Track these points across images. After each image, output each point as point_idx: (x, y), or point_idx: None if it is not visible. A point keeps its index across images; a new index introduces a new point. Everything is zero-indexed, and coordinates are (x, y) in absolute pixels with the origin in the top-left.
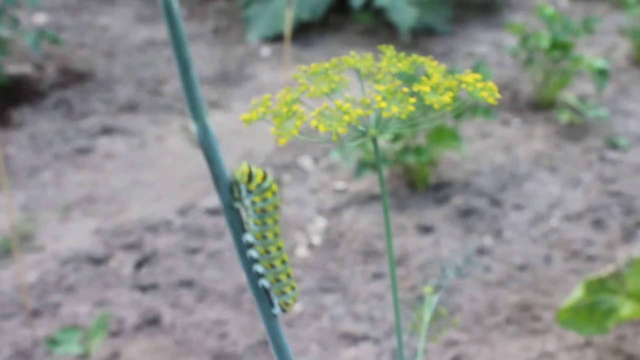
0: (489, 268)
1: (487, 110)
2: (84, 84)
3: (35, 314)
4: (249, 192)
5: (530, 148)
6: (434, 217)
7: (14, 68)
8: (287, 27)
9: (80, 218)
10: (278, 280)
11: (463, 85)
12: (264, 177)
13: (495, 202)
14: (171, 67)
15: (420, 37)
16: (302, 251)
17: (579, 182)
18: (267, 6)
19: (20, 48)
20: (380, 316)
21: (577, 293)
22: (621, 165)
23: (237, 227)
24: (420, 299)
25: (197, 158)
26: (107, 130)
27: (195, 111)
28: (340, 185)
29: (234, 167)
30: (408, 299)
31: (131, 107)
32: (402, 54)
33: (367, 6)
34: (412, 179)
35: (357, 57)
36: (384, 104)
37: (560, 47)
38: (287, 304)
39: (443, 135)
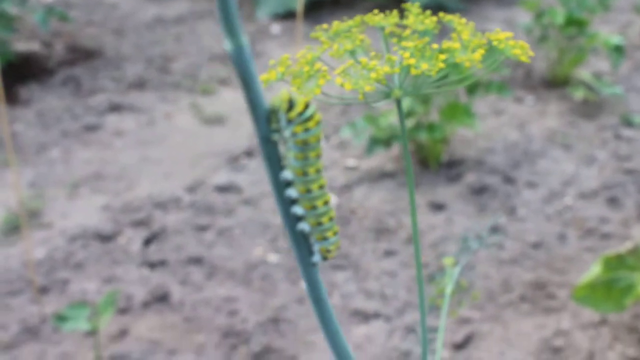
0: (503, 246)
1: (500, 87)
2: (92, 62)
3: (43, 290)
4: (289, 121)
5: (544, 125)
6: (446, 194)
7: (22, 45)
8: (299, 4)
9: (88, 195)
10: (319, 224)
11: (494, 43)
12: (307, 105)
13: (509, 180)
14: (180, 45)
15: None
16: None
17: (593, 159)
18: None
19: (29, 25)
20: (392, 294)
21: (594, 269)
22: (636, 142)
23: (275, 162)
24: (432, 277)
25: (206, 135)
26: (115, 108)
27: (230, 28)
28: (351, 162)
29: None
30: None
31: (140, 85)
32: (428, 12)
33: None
34: (424, 157)
35: (381, 15)
36: (412, 61)
37: (575, 24)
38: (328, 250)
39: (456, 111)
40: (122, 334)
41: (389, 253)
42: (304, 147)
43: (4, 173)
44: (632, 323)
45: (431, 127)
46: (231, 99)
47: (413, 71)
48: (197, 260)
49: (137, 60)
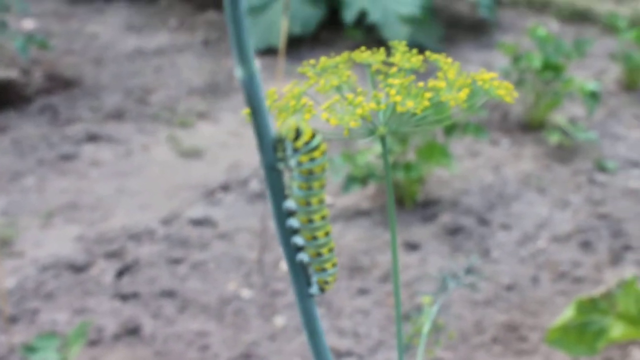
0: (477, 287)
1: (477, 129)
2: (70, 91)
3: (13, 320)
4: (295, 150)
5: (519, 168)
6: (421, 234)
7: (1, 72)
8: (282, 40)
9: (62, 225)
10: (319, 255)
11: (479, 83)
12: (313, 135)
13: (483, 222)
14: (159, 77)
15: None
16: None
17: (567, 203)
18: (259, 19)
19: (8, 52)
20: (365, 332)
21: (568, 313)
22: (610, 188)
23: (278, 191)
24: (407, 316)
25: (183, 169)
26: (92, 138)
27: (242, 55)
28: (327, 199)
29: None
30: (394, 316)
31: (118, 115)
32: (415, 50)
33: (359, 22)
34: (400, 196)
35: (368, 52)
36: (398, 98)
37: (551, 69)
38: (326, 282)
39: (433, 152)
40: None
41: (362, 291)
42: (309, 176)
43: None
44: None
45: (408, 167)
46: (209, 133)
47: (399, 108)
48: (169, 294)
49: (115, 90)
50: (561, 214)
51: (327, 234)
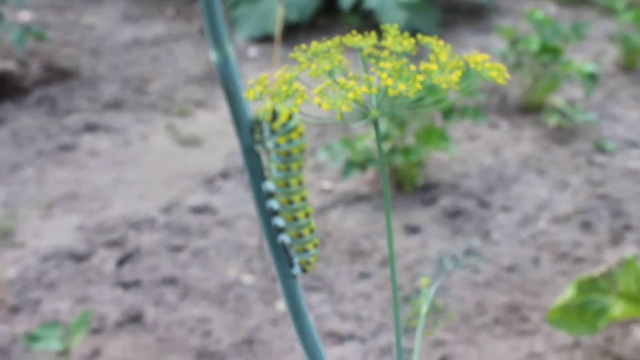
0: (477, 269)
1: (475, 112)
2: (68, 82)
3: (15, 310)
4: (273, 132)
5: (518, 151)
6: (421, 218)
7: None
8: (277, 27)
9: (62, 215)
10: (300, 236)
11: (472, 65)
12: (290, 117)
13: (483, 204)
14: (157, 66)
15: None
16: None
17: (567, 185)
18: (255, 6)
19: (4, 44)
20: (367, 316)
21: (568, 292)
22: (609, 168)
23: (257, 173)
24: (407, 298)
25: (182, 157)
26: (91, 128)
27: (216, 37)
28: (326, 185)
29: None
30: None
31: (116, 105)
32: (406, 34)
33: (356, 8)
34: (400, 180)
35: (360, 36)
36: (390, 82)
37: (549, 51)
38: (308, 263)
39: (432, 135)
40: (95, 354)
41: (363, 275)
42: (287, 158)
43: None
44: (605, 346)
45: (407, 151)
46: (207, 121)
47: (390, 92)
48: (171, 281)
49: (113, 80)
50: (561, 195)
51: (307, 215)
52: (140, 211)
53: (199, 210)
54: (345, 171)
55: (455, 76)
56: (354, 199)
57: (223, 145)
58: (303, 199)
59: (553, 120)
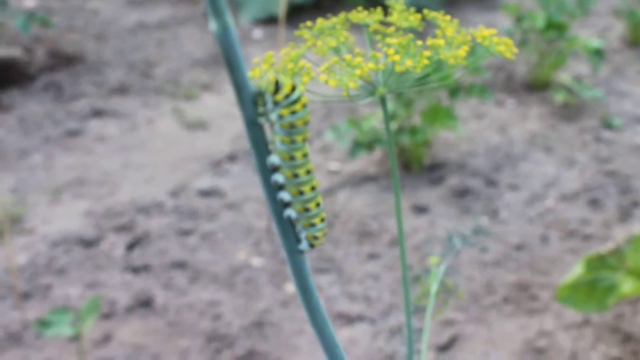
0: (486, 248)
1: (482, 90)
2: (74, 67)
3: (25, 296)
4: (276, 104)
5: (525, 128)
6: (428, 197)
7: (3, 51)
8: (281, 9)
9: (70, 200)
10: (307, 210)
11: (479, 40)
12: (293, 88)
13: (491, 183)
14: (162, 50)
15: None
16: None
17: (574, 162)
18: None
19: (10, 31)
20: (376, 296)
21: (577, 270)
22: (616, 145)
23: (261, 147)
24: (417, 278)
25: (189, 140)
26: (97, 113)
27: (215, 7)
28: (334, 166)
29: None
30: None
31: (122, 90)
32: (413, 9)
33: None
34: (407, 160)
35: (365, 12)
36: (396, 57)
37: (555, 28)
38: (315, 237)
39: (438, 114)
40: (106, 339)
41: (372, 256)
42: (291, 130)
43: None
44: (614, 323)
45: (413, 130)
46: (213, 104)
47: (397, 68)
48: (180, 265)
49: (119, 65)
50: (568, 172)
51: (313, 188)
52: (149, 195)
53: (207, 193)
54: (352, 152)
55: (463, 51)
56: (362, 180)
57: (229, 128)
58: (308, 172)
59: (559, 97)
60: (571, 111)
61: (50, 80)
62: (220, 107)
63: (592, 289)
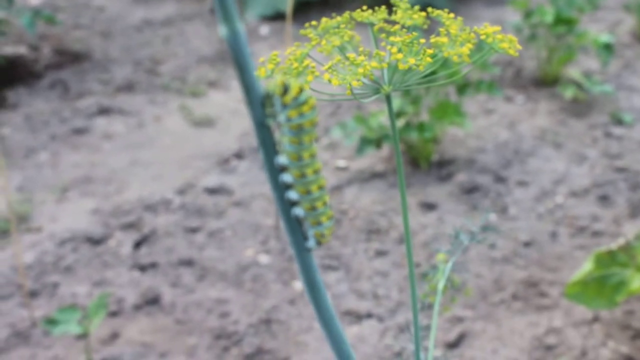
0: (495, 244)
1: (490, 86)
2: (80, 65)
3: (33, 294)
4: (284, 106)
5: (535, 124)
6: (437, 194)
7: (9, 49)
8: (288, 5)
9: (77, 198)
10: (314, 208)
11: (482, 37)
12: (301, 90)
13: (500, 179)
14: (168, 47)
15: None
16: None
17: (584, 158)
18: None
19: (16, 29)
20: (384, 294)
21: (586, 266)
22: (627, 140)
23: (270, 147)
24: (424, 275)
25: (196, 138)
26: (104, 111)
27: (225, 11)
28: (341, 163)
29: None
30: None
31: (128, 87)
32: (417, 7)
33: None
34: (415, 157)
35: (370, 11)
36: (400, 56)
37: (564, 23)
38: (323, 235)
39: (447, 111)
40: (113, 337)
41: (380, 253)
42: (299, 131)
43: None
44: (624, 320)
45: (421, 127)
46: (220, 101)
47: (400, 66)
48: (188, 263)
49: (125, 62)
50: (578, 168)
51: (320, 187)
52: (156, 193)
53: (214, 191)
54: (360, 148)
55: (466, 48)
56: (370, 177)
57: (237, 125)
58: (316, 171)
59: (569, 93)
60: (581, 107)
61: (56, 78)
62: (227, 104)
63: (601, 286)
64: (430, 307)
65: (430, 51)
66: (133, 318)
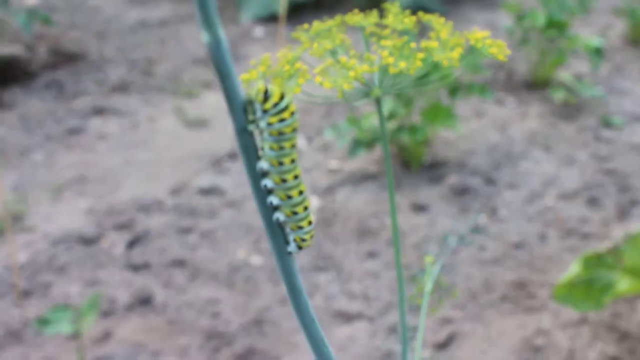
0: (484, 246)
1: (482, 89)
2: (75, 65)
3: (26, 294)
4: (265, 112)
5: (525, 127)
6: (428, 196)
7: (5, 49)
8: (282, 7)
9: (71, 198)
10: (295, 213)
11: (472, 42)
12: (282, 97)
13: (490, 181)
14: (163, 48)
15: None
16: None
17: (574, 160)
18: None
19: (11, 29)
20: (375, 295)
21: (574, 269)
22: (616, 143)
23: (251, 153)
24: (414, 277)
25: (190, 138)
26: (98, 111)
27: (207, 19)
28: (334, 164)
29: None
30: (405, 277)
31: (123, 88)
32: (408, 11)
33: None
34: (407, 159)
35: (361, 15)
36: (391, 59)
37: (555, 26)
38: (303, 240)
39: (438, 113)
40: (106, 336)
41: (371, 254)
42: (279, 137)
43: None
44: (611, 321)
45: (413, 129)
46: (214, 102)
47: (391, 70)
48: (180, 263)
49: (120, 63)
50: (568, 171)
51: (301, 192)
52: (149, 193)
53: (207, 191)
54: (352, 150)
55: (456, 53)
56: (362, 178)
57: (230, 126)
58: (296, 177)
59: (560, 96)
60: (571, 110)
61: (51, 78)
62: (221, 105)
63: (589, 288)
64: (419, 308)
65: (420, 55)
66: (125, 318)
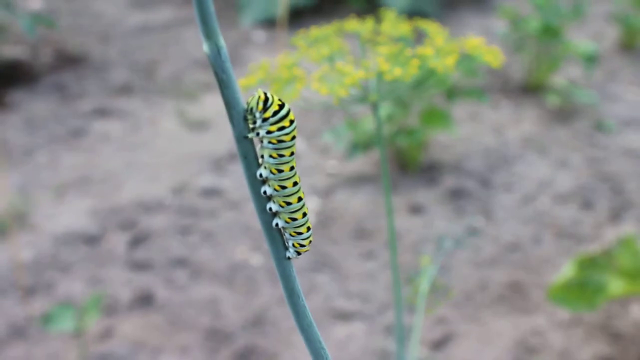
0: (480, 248)
1: (478, 93)
2: (78, 68)
3: (30, 292)
4: (265, 120)
5: (520, 131)
6: (424, 198)
7: (9, 52)
8: (282, 11)
9: (74, 198)
10: (293, 219)
11: (467, 49)
12: (281, 105)
13: (486, 184)
14: (165, 51)
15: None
16: None
17: (567, 164)
18: None
19: (15, 32)
20: (373, 294)
21: (568, 270)
22: (609, 148)
23: (251, 160)
24: (410, 278)
25: (191, 140)
26: (101, 113)
27: (207, 27)
28: (332, 166)
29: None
30: (402, 278)
31: (125, 90)
32: (404, 17)
33: None
34: (403, 161)
35: (358, 22)
36: (386, 66)
37: (550, 32)
38: (302, 245)
39: (435, 117)
40: (108, 334)
41: (369, 255)
42: (279, 145)
43: None
44: (604, 322)
45: (410, 132)
46: (215, 104)
47: (386, 76)
48: (181, 262)
49: (122, 66)
50: (562, 174)
51: (300, 199)
52: (151, 194)
53: (208, 192)
54: (351, 153)
55: (451, 60)
56: (359, 180)
57: (230, 128)
58: (295, 184)
59: (554, 100)
60: (565, 114)
61: (55, 81)
62: (221, 107)
63: (582, 289)
64: (415, 308)
65: (416, 62)
66: (127, 316)
